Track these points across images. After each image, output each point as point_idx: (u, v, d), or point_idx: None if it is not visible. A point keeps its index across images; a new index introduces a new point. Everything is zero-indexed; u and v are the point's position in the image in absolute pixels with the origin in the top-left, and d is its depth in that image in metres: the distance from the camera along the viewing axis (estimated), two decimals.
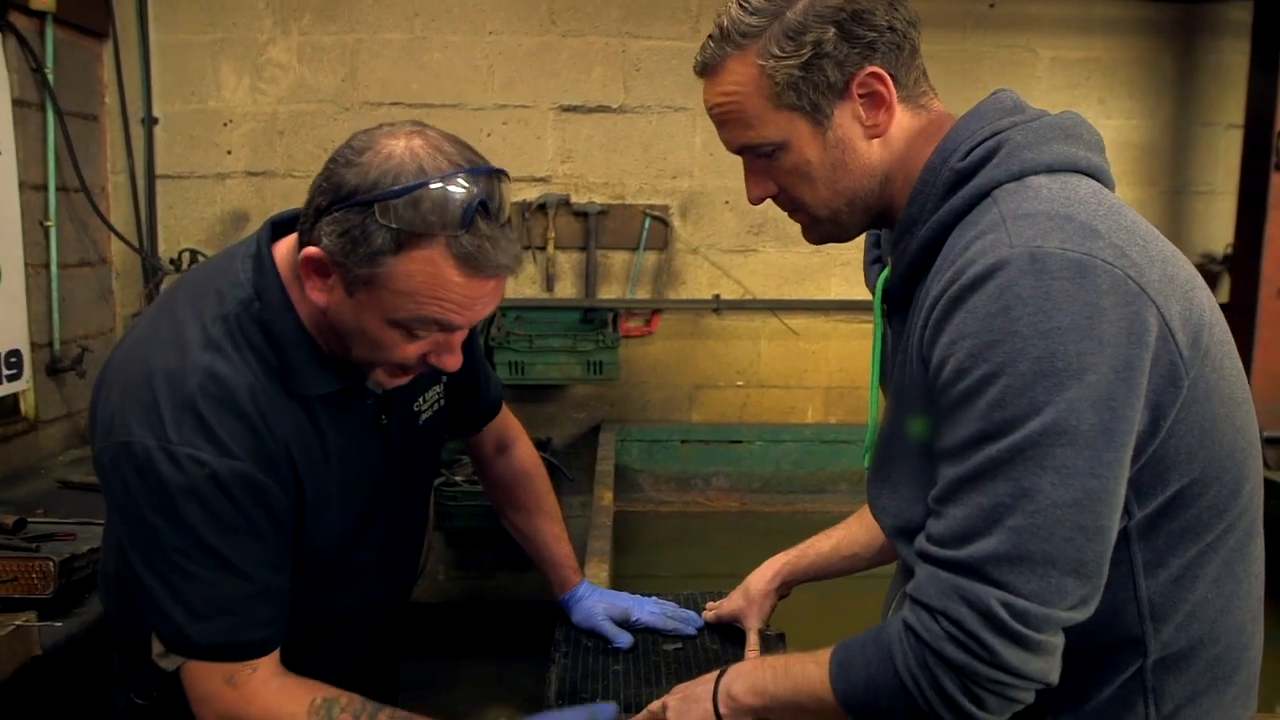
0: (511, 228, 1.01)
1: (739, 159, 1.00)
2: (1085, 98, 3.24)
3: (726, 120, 0.96)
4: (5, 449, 2.55)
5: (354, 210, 0.95)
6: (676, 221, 3.24)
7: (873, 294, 1.05)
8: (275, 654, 1.08)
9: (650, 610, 1.48)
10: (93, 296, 2.97)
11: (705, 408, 3.36)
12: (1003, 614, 0.80)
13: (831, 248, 3.27)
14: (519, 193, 3.18)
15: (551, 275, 3.20)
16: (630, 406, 3.33)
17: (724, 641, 1.45)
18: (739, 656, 1.38)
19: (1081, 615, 0.82)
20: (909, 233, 0.94)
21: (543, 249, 3.19)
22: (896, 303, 1.00)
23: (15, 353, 2.54)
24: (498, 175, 0.99)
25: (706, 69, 0.96)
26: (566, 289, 3.24)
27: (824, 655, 0.95)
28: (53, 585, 1.64)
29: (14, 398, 2.61)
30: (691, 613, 1.51)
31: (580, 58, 3.15)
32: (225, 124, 3.10)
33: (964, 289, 0.83)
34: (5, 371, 2.50)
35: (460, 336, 1.05)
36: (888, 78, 0.92)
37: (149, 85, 3.04)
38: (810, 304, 3.29)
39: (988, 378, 0.81)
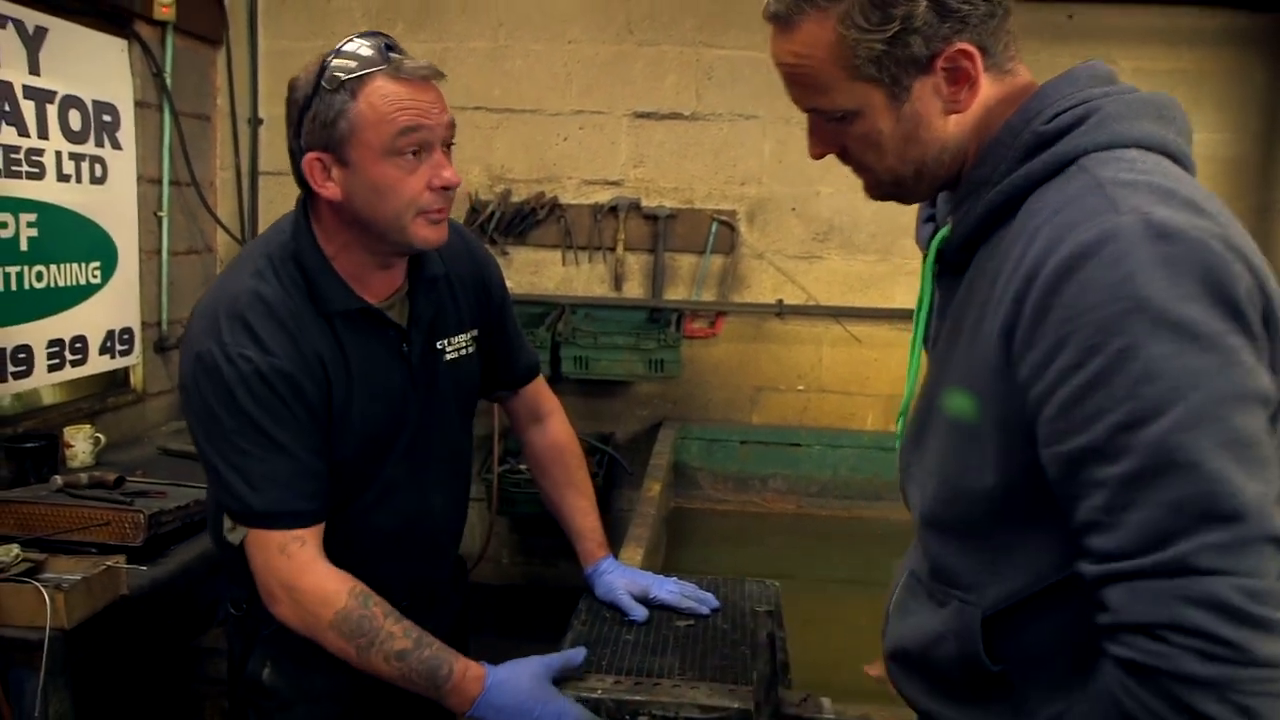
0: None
1: (807, 167, 1.05)
2: None
3: (795, 80, 0.91)
4: (115, 418, 2.80)
5: (312, 102, 1.21)
6: (743, 227, 3.31)
7: (923, 251, 1.01)
8: (319, 538, 1.27)
9: (669, 589, 1.56)
10: (198, 282, 3.23)
11: (766, 410, 3.41)
12: (1241, 601, 0.70)
13: (899, 257, 3.30)
14: (591, 195, 3.31)
15: (620, 275, 3.32)
16: (692, 405, 3.41)
17: (735, 622, 1.52)
18: (748, 637, 1.45)
19: None
20: (974, 194, 0.89)
21: (613, 250, 3.31)
22: (951, 265, 0.95)
23: (128, 330, 2.80)
24: (382, 33, 1.25)
25: (778, 20, 0.89)
26: (634, 289, 3.35)
27: None
28: (142, 534, 1.84)
29: (125, 371, 2.87)
30: (709, 595, 1.57)
31: (655, 66, 3.25)
32: None
33: (1073, 259, 0.76)
34: (118, 347, 2.76)
35: (442, 154, 1.26)
36: (976, 54, 0.86)
37: (256, 88, 3.29)
38: (874, 312, 3.31)
39: (1127, 351, 0.74)
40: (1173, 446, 0.72)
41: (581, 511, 1.62)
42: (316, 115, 1.21)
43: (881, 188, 0.97)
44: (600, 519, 1.64)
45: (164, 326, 2.99)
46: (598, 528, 1.62)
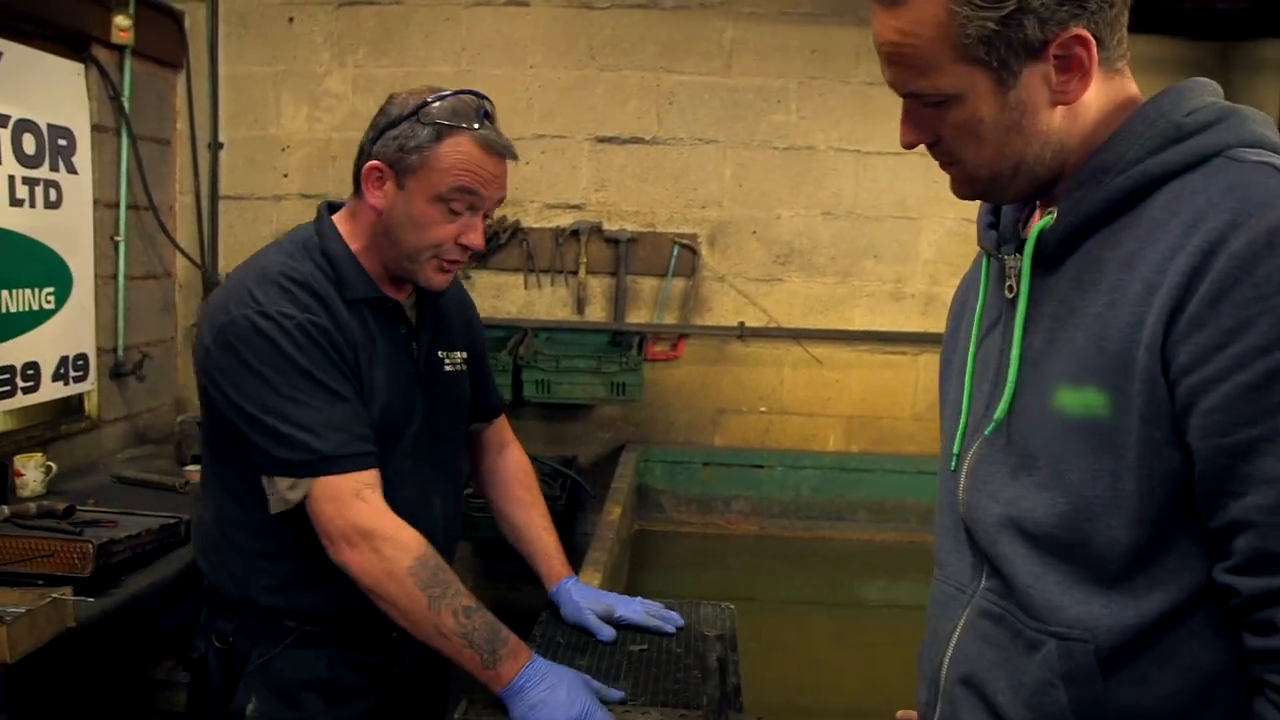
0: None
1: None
2: None
3: (897, 61, 0.85)
4: (69, 445, 2.76)
5: (403, 123, 1.31)
6: (705, 250, 3.34)
7: (993, 250, 0.97)
8: (380, 487, 1.30)
9: (634, 608, 1.58)
10: (156, 308, 3.20)
11: (728, 432, 3.43)
12: None
13: (858, 279, 3.35)
14: (553, 219, 3.33)
15: (582, 299, 3.33)
16: (655, 428, 3.43)
17: (688, 646, 1.53)
18: (700, 661, 1.46)
19: None
20: (1093, 180, 0.84)
21: (575, 273, 3.32)
22: (1050, 257, 0.88)
23: (82, 356, 2.76)
24: (486, 96, 1.38)
25: None
26: (596, 312, 3.36)
27: None
28: (90, 565, 1.80)
29: (79, 398, 2.82)
30: (674, 614, 1.59)
31: (616, 91, 3.29)
32: (283, 149, 3.32)
33: (1271, 235, 0.72)
34: (73, 373, 2.72)
35: (479, 221, 1.36)
36: (1092, 42, 0.81)
37: (216, 112, 3.28)
38: (834, 333, 3.35)
39: None
40: None
41: (546, 531, 1.64)
42: (400, 136, 1.32)
43: (974, 184, 0.91)
44: (560, 541, 1.66)
45: (120, 352, 2.96)
46: (559, 548, 1.64)
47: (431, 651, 1.29)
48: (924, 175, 3.26)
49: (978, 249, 1.03)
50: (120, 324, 2.95)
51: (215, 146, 3.29)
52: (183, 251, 3.24)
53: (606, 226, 3.31)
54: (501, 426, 1.73)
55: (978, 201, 0.96)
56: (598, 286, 3.35)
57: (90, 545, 1.81)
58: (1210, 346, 0.73)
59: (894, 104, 0.92)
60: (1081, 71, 0.82)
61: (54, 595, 1.65)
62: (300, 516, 1.29)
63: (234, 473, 1.37)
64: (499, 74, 3.26)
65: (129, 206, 2.95)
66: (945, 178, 0.91)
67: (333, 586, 1.30)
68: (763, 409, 3.42)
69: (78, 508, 2.07)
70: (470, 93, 1.35)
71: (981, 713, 0.91)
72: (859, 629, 2.97)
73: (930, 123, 0.87)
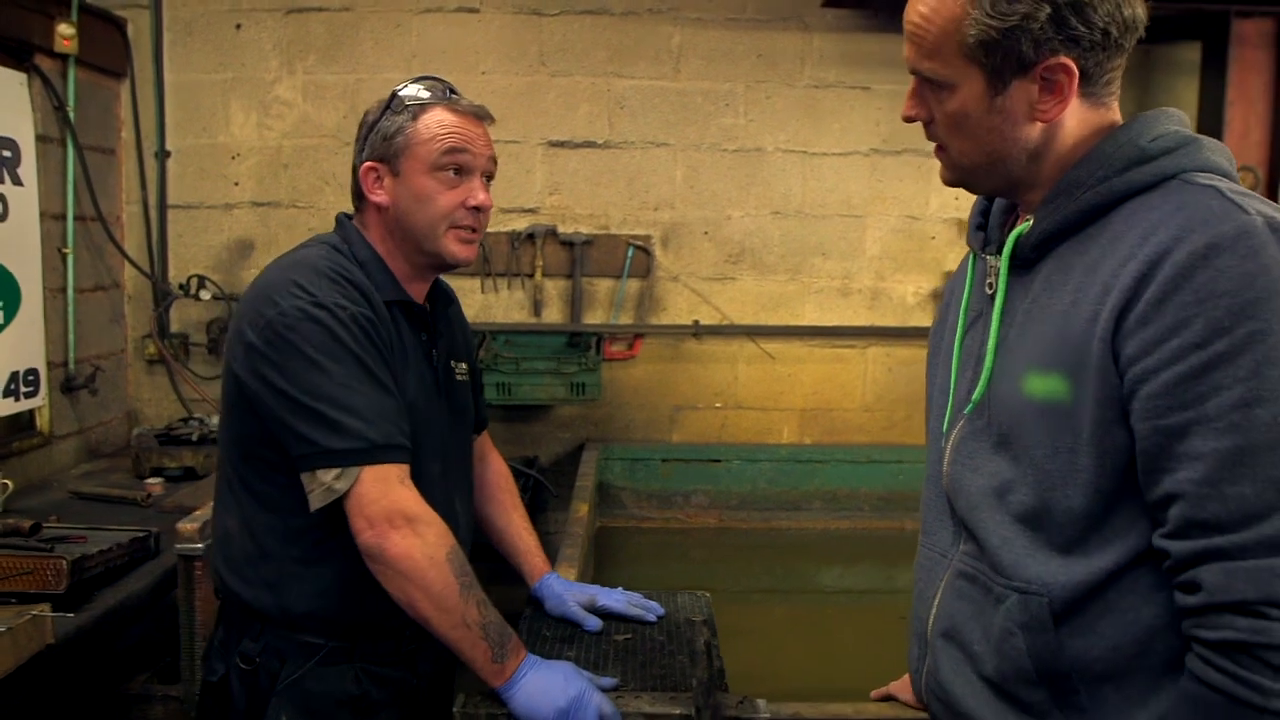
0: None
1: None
2: None
3: (915, 39, 0.97)
4: (21, 462, 2.71)
5: (380, 121, 1.39)
6: (658, 251, 3.41)
7: (979, 250, 1.09)
8: None
9: (616, 598, 1.63)
10: (106, 319, 3.15)
11: (685, 428, 3.51)
12: None
13: (807, 276, 3.45)
14: (509, 223, 3.36)
15: (539, 301, 3.37)
16: (614, 426, 3.48)
17: (670, 634, 1.59)
18: (684, 646, 1.52)
19: None
20: (1067, 194, 0.95)
21: (531, 276, 3.36)
22: (1025, 260, 0.99)
23: (33, 371, 2.72)
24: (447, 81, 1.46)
25: None
26: (553, 314, 3.40)
27: None
28: (65, 582, 1.79)
29: (30, 414, 2.77)
30: (654, 603, 1.65)
31: (568, 96, 3.34)
32: (233, 157, 3.30)
33: (1209, 248, 0.83)
34: (23, 389, 2.68)
35: (480, 181, 1.41)
36: (1076, 72, 0.92)
37: (163, 121, 3.24)
38: (786, 329, 3.45)
39: (1256, 335, 0.81)
40: None
41: (527, 531, 1.69)
42: (380, 131, 1.39)
43: (956, 171, 1.02)
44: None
45: (71, 366, 2.91)
46: (540, 547, 1.69)
47: (443, 663, 1.30)
48: (868, 175, 3.38)
49: (965, 248, 1.14)
50: (70, 337, 2.90)
51: (162, 155, 3.25)
52: (132, 262, 3.19)
53: (561, 230, 3.36)
54: (485, 439, 1.79)
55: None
56: (554, 289, 3.40)
57: (64, 561, 1.80)
58: (1153, 341, 0.85)
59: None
60: (1061, 96, 0.93)
61: (33, 612, 1.65)
62: (338, 519, 1.28)
63: (266, 479, 1.36)
64: (451, 80, 3.25)
65: (76, 218, 2.91)
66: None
67: (370, 594, 1.31)
68: (718, 405, 3.51)
69: (43, 524, 2.05)
70: (432, 77, 1.44)
71: (961, 662, 1.02)
72: (817, 615, 3.07)
73: (929, 103, 0.99)
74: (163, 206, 3.27)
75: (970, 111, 0.95)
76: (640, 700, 1.34)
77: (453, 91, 1.43)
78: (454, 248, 1.42)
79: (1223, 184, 0.89)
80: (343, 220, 1.48)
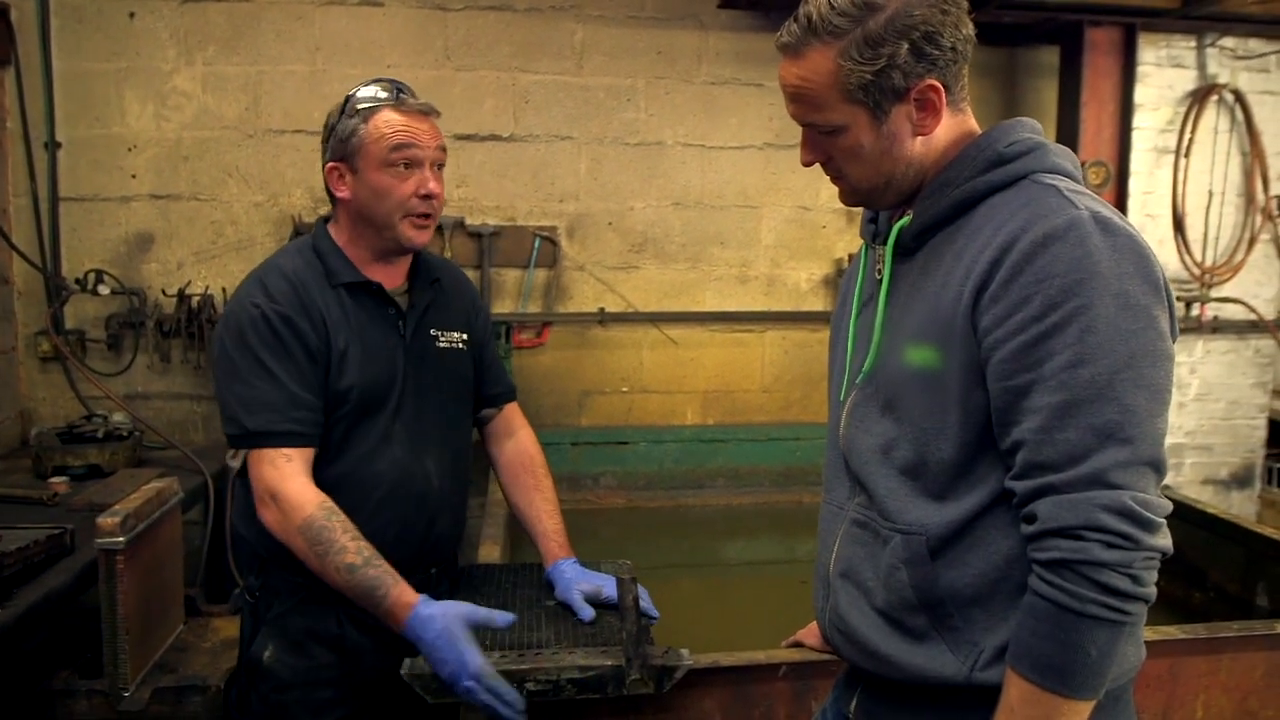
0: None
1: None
2: None
3: (798, 99, 1.10)
4: None
5: (337, 125, 1.55)
6: (564, 241, 3.51)
7: (869, 241, 1.23)
8: (306, 461, 1.50)
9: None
10: None
11: (593, 412, 3.63)
12: (1137, 509, 0.95)
13: (706, 265, 3.62)
14: None
15: None
16: (524, 412, 3.54)
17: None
18: (615, 605, 1.59)
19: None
20: (939, 192, 1.10)
21: None
22: (902, 249, 1.15)
23: None
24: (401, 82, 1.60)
25: (788, 50, 1.09)
26: None
27: (1010, 682, 1.02)
28: None
29: None
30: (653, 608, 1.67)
31: (473, 90, 3.40)
32: (129, 149, 3.23)
33: (1046, 238, 0.99)
34: None
35: (431, 172, 1.56)
36: (942, 90, 1.07)
37: (52, 111, 3.15)
38: (688, 315, 3.61)
39: (1080, 309, 0.97)
40: (1102, 384, 0.96)
41: (548, 514, 1.76)
42: (338, 134, 1.55)
43: (856, 194, 1.17)
44: (564, 524, 1.77)
45: None
46: (562, 530, 1.75)
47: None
48: (763, 168, 3.57)
49: (854, 236, 1.31)
50: None
51: (53, 146, 3.16)
52: (22, 255, 3.09)
53: (469, 221, 3.43)
54: (510, 414, 1.87)
55: (832, 192, 1.23)
56: None
57: None
58: (1002, 315, 1.01)
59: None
60: (934, 111, 1.09)
61: None
62: (320, 481, 1.50)
63: None
64: (355, 73, 3.29)
65: None
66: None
67: (347, 500, 1.50)
68: (625, 389, 3.64)
69: None
70: (381, 80, 1.58)
71: (857, 597, 1.18)
72: (723, 586, 3.24)
73: (823, 146, 1.14)
74: (54, 199, 3.18)
75: (863, 142, 1.10)
76: (574, 655, 1.45)
77: (402, 91, 1.57)
78: (409, 233, 1.58)
79: (1063, 183, 1.06)
80: (317, 223, 1.68)
